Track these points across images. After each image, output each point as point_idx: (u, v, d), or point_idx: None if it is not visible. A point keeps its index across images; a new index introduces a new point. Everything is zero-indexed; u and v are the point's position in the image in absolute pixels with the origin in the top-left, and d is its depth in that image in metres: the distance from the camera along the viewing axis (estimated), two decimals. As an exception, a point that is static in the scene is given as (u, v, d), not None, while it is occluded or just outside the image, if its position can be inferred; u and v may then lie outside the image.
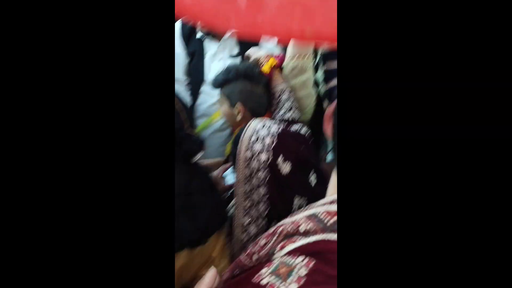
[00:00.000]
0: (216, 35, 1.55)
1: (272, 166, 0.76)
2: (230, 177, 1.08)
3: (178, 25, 1.61)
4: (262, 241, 0.46)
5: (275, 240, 0.44)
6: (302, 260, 0.37)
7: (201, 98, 1.65)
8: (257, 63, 1.06)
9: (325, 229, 0.41)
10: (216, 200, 0.75)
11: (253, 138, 0.77)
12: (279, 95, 1.03)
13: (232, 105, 1.02)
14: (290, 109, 1.01)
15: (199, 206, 0.69)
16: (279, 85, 1.04)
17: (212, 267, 0.58)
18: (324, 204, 0.44)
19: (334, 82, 1.11)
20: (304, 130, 0.92)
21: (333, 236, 0.40)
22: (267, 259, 0.43)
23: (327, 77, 1.19)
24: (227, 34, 1.56)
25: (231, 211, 0.86)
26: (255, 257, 0.45)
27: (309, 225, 0.42)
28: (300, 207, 0.78)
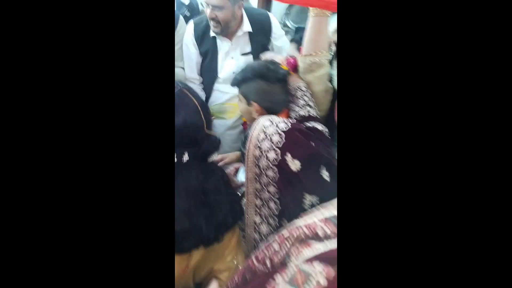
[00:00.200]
0: (229, 33, 1.56)
1: (281, 164, 0.75)
2: (242, 175, 1.08)
3: (191, 25, 1.63)
4: (275, 246, 0.44)
5: (290, 245, 0.42)
6: (322, 270, 0.35)
7: (214, 96, 1.67)
8: (274, 63, 1.06)
9: None
10: (231, 198, 0.75)
11: (261, 137, 0.76)
12: (295, 93, 1.02)
13: (249, 103, 1.02)
14: (306, 106, 1.00)
15: (215, 204, 0.69)
16: (295, 83, 1.03)
17: (214, 280, 0.59)
18: None
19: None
20: (320, 127, 0.90)
21: None
22: (281, 265, 0.41)
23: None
24: (240, 32, 1.56)
25: (244, 209, 0.86)
26: (268, 262, 0.43)
27: (327, 230, 0.39)
28: (312, 206, 0.76)
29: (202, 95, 1.64)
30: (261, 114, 0.97)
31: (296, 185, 0.75)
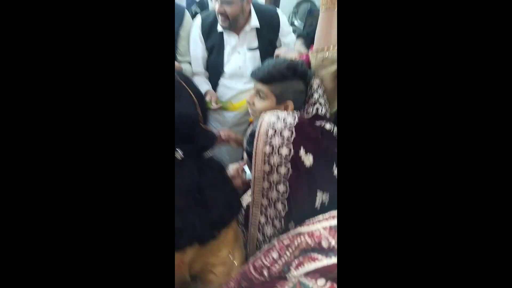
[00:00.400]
0: (236, 28, 1.53)
1: (295, 160, 0.71)
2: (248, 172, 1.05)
3: (198, 20, 1.61)
4: (274, 254, 0.40)
5: (290, 254, 0.38)
6: (324, 285, 0.31)
7: (219, 91, 1.64)
8: (302, 62, 1.04)
9: None
10: (228, 194, 0.71)
11: (270, 133, 0.73)
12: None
13: (280, 102, 0.98)
14: (315, 103, 0.97)
15: (211, 201, 0.66)
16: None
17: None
18: None
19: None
20: (328, 125, 0.87)
21: None
22: (280, 276, 0.37)
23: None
24: (247, 28, 1.54)
25: (245, 205, 0.83)
26: (265, 272, 0.39)
27: (332, 241, 0.35)
28: (322, 205, 0.73)
29: (206, 88, 1.62)
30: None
31: (309, 181, 0.72)
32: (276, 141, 0.72)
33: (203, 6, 2.06)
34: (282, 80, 0.98)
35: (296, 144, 0.71)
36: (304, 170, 0.71)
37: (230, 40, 1.57)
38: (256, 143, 0.73)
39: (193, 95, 0.71)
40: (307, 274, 0.33)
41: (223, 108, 1.61)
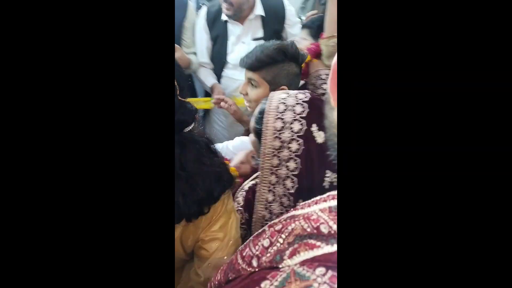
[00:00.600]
0: (241, 17, 1.52)
1: (307, 135, 0.69)
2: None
3: (204, 10, 1.59)
4: (265, 242, 0.35)
5: (283, 241, 0.33)
6: (323, 274, 0.26)
7: (223, 83, 1.62)
8: (292, 42, 1.00)
9: None
10: (217, 168, 0.67)
11: (281, 108, 0.71)
12: (314, 81, 0.97)
13: (274, 88, 0.94)
14: (323, 95, 0.95)
15: (195, 178, 0.62)
16: (315, 71, 0.99)
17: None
18: None
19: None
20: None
21: None
22: (271, 266, 0.32)
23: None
24: (252, 16, 1.52)
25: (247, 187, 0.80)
26: (254, 262, 0.34)
27: (333, 225, 0.30)
28: (331, 184, 0.71)
29: (212, 82, 1.59)
30: None
31: (319, 159, 0.69)
32: (288, 116, 0.69)
33: (211, -1, 2.05)
34: (273, 64, 0.94)
35: (309, 120, 0.69)
36: (315, 147, 0.69)
37: (234, 29, 1.55)
38: (266, 119, 0.71)
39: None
40: (304, 263, 0.29)
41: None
